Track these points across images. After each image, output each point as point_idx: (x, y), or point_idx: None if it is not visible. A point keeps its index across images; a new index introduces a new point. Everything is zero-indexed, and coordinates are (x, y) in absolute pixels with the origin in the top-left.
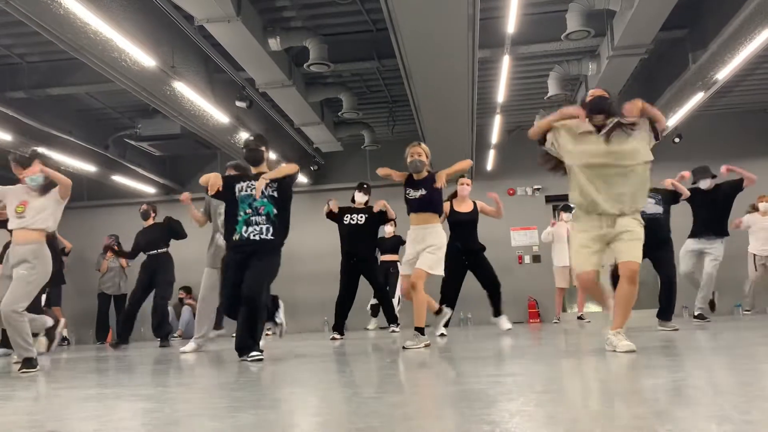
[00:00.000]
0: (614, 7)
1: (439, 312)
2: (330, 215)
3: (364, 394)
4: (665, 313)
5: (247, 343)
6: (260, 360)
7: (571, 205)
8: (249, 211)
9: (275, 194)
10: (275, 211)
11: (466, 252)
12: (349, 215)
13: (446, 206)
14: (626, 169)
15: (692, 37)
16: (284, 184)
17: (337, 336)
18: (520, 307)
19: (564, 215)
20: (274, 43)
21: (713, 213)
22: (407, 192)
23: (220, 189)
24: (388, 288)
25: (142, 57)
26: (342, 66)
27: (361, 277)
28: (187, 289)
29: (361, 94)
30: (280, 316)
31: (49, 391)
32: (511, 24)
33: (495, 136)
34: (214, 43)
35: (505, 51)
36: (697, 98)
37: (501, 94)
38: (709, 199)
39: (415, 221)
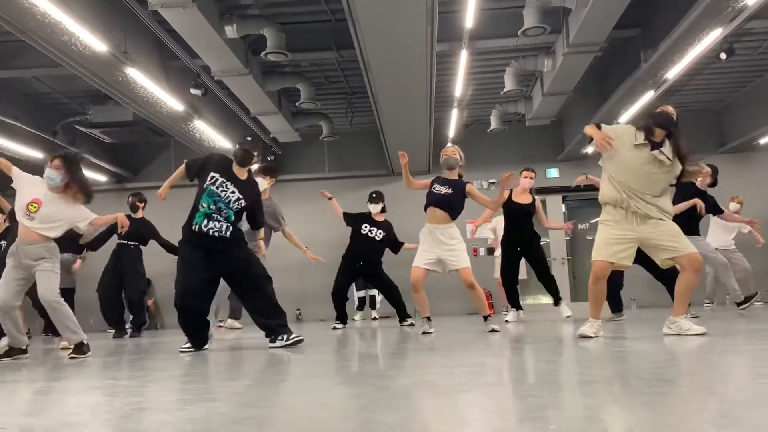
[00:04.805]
0: (570, 4)
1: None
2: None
3: (318, 386)
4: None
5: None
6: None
7: None
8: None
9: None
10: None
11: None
12: (368, 226)
13: (505, 194)
14: None
15: (644, 37)
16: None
17: (339, 325)
18: None
19: None
20: (231, 31)
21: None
22: (434, 186)
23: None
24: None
25: (93, 41)
26: (300, 55)
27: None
28: None
29: (319, 84)
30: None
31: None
32: (469, 18)
33: (452, 130)
34: (169, 29)
35: (463, 45)
36: (648, 96)
37: (458, 88)
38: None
39: (431, 219)
